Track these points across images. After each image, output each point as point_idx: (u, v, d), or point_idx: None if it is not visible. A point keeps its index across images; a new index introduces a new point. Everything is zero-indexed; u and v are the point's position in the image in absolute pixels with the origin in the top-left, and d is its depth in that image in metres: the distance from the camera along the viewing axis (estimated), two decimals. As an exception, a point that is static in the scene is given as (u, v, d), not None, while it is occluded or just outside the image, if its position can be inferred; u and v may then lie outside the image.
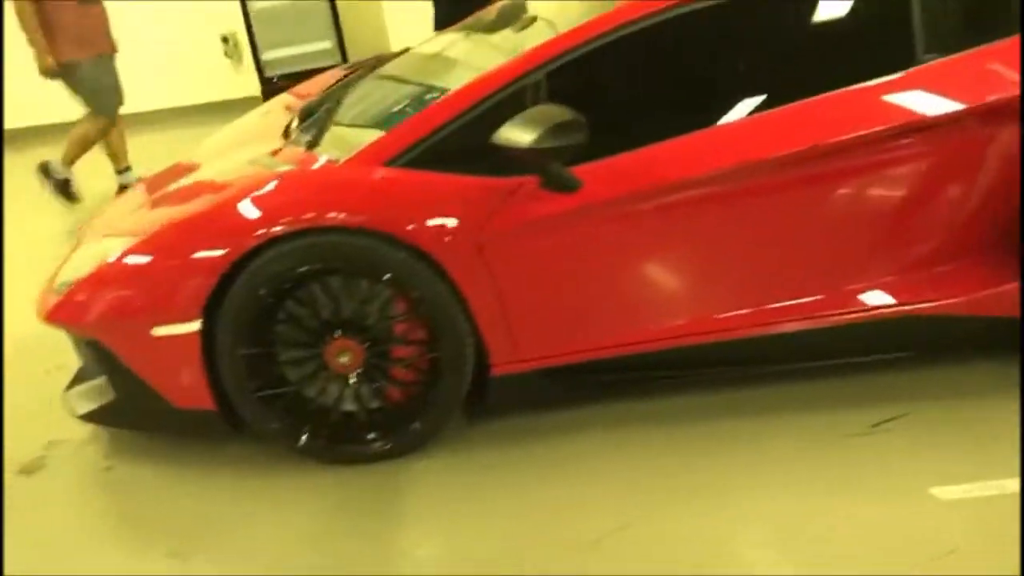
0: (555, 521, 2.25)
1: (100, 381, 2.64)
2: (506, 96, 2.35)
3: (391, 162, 2.37)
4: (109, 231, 2.68)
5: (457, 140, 2.37)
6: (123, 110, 5.57)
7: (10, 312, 3.84)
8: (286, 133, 2.96)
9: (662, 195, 2.29)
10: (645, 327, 2.41)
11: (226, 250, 2.28)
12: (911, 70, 2.29)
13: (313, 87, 3.67)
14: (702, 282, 2.39)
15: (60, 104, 5.38)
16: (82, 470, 2.76)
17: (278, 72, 6.29)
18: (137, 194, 3.08)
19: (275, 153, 2.71)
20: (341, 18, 6.37)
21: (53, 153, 5.37)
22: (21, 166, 6.13)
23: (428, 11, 5.91)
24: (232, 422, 2.52)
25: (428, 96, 2.69)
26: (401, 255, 2.29)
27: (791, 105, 2.28)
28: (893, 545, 2.03)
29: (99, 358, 2.56)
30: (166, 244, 2.39)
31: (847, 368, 2.56)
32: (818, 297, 2.37)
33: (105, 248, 2.57)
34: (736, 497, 2.23)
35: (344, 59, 6.44)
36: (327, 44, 6.32)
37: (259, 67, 6.35)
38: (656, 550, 2.12)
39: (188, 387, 2.47)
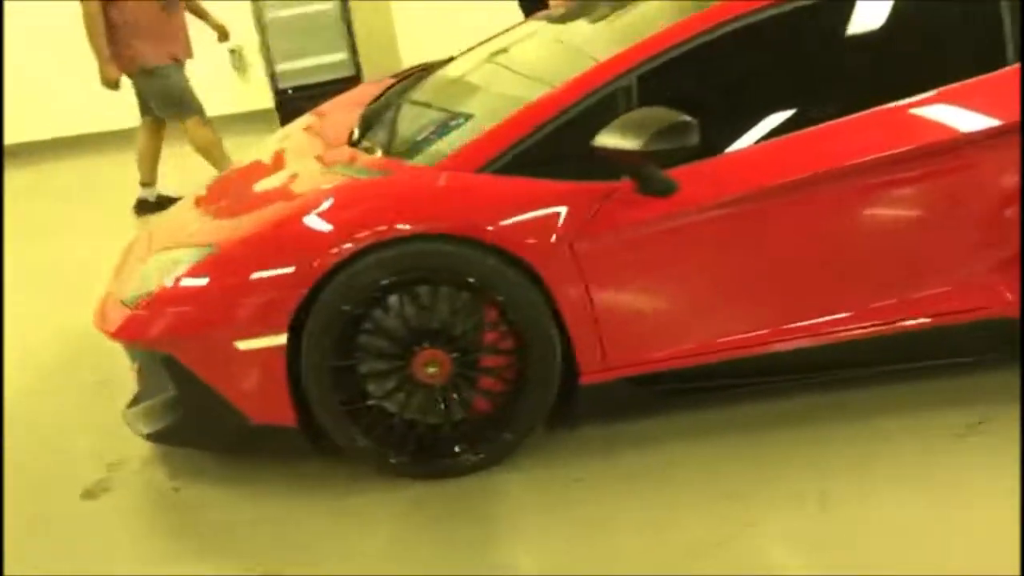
0: (651, 535, 2.20)
1: (167, 398, 2.56)
2: (598, 100, 2.33)
3: (483, 168, 2.34)
4: (178, 241, 2.61)
5: (549, 145, 2.35)
6: (131, 123, 5.49)
7: (44, 324, 3.75)
8: (351, 140, 2.90)
9: (757, 199, 2.26)
10: (734, 333, 2.38)
11: (317, 261, 2.22)
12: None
13: (335, 107, 3.60)
14: (792, 287, 2.37)
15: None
16: (149, 492, 2.67)
17: (292, 84, 6.23)
18: (194, 202, 3.01)
19: (352, 160, 2.65)
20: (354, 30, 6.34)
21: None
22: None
23: (439, 26, 5.89)
24: (312, 439, 2.46)
25: (497, 101, 2.66)
26: (492, 261, 2.25)
27: (891, 106, 2.27)
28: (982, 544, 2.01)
29: (173, 374, 2.48)
30: (253, 255, 2.33)
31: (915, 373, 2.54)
32: (891, 301, 2.36)
33: (176, 258, 2.50)
34: (837, 502, 2.20)
35: (358, 71, 6.40)
36: (341, 56, 6.27)
37: (273, 79, 6.28)
38: (761, 560, 2.08)
39: (270, 402, 2.40)
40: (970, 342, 2.41)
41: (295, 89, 6.19)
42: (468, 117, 2.72)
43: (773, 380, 2.48)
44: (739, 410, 2.56)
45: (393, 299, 2.31)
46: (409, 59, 6.60)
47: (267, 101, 6.63)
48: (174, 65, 5.01)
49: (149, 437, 2.63)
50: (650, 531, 2.21)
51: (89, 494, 2.67)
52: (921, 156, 2.25)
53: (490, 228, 2.24)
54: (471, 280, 2.27)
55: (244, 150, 6.12)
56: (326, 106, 3.70)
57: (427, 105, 2.95)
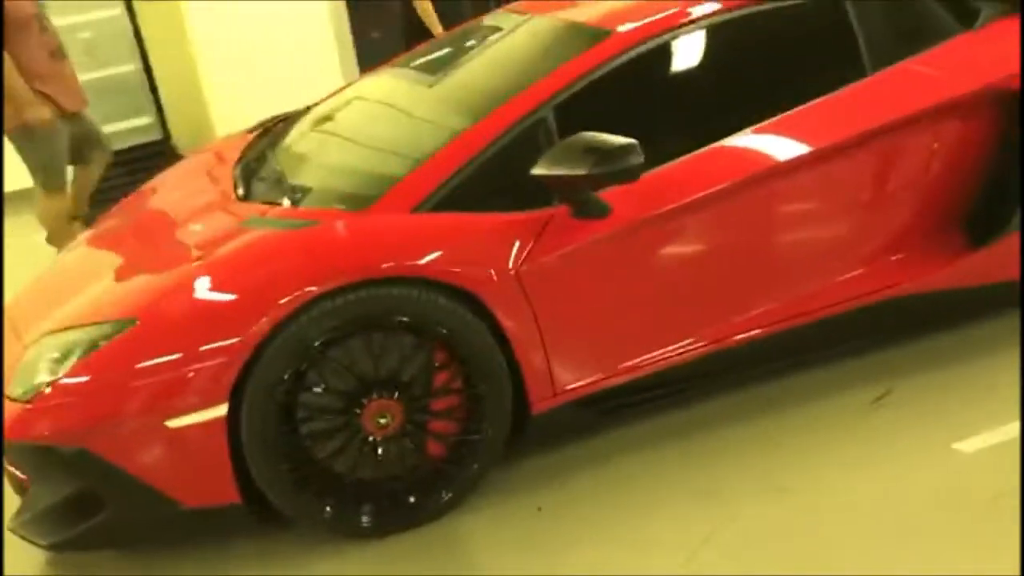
0: (637, 549, 2.23)
1: (68, 499, 2.28)
2: (522, 131, 2.37)
3: (418, 207, 2.30)
4: (78, 316, 2.35)
5: (478, 179, 2.35)
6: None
7: None
8: (242, 194, 2.74)
9: (681, 213, 2.39)
10: (672, 342, 2.48)
11: (262, 321, 2.08)
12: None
13: (175, 174, 3.41)
14: (728, 287, 2.51)
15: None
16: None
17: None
18: (75, 265, 2.72)
19: (266, 213, 2.50)
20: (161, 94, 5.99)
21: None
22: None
23: (250, 90, 5.68)
24: (256, 515, 2.28)
25: (387, 141, 2.66)
26: (442, 300, 2.21)
27: (796, 110, 2.49)
28: (944, 500, 2.22)
29: (84, 470, 2.20)
30: (189, 324, 2.14)
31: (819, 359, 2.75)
32: (817, 290, 2.57)
33: (74, 339, 2.25)
34: (802, 485, 2.33)
35: (166, 134, 6.05)
36: (147, 119, 5.91)
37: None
38: (749, 551, 2.17)
39: (207, 482, 2.21)
40: (876, 322, 2.65)
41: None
42: (367, 159, 2.67)
43: (703, 384, 2.60)
44: (670, 418, 2.65)
45: (337, 351, 2.21)
46: (221, 119, 6.36)
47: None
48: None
49: (54, 547, 2.32)
50: (634, 543, 2.23)
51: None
52: (811, 160, 2.49)
53: (438, 266, 2.21)
54: (422, 322, 2.21)
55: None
56: (156, 181, 3.44)
57: (319, 152, 2.86)
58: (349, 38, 6.38)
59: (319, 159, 2.83)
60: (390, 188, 2.36)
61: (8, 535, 2.37)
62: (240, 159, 3.09)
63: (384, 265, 2.16)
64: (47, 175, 4.60)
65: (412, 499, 2.35)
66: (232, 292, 2.19)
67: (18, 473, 2.40)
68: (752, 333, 2.51)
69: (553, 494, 2.44)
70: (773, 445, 2.50)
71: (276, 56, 5.94)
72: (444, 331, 2.24)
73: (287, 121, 3.43)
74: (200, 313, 2.18)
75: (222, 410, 2.13)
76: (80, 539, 2.29)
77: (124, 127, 5.73)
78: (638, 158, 2.19)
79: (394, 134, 2.78)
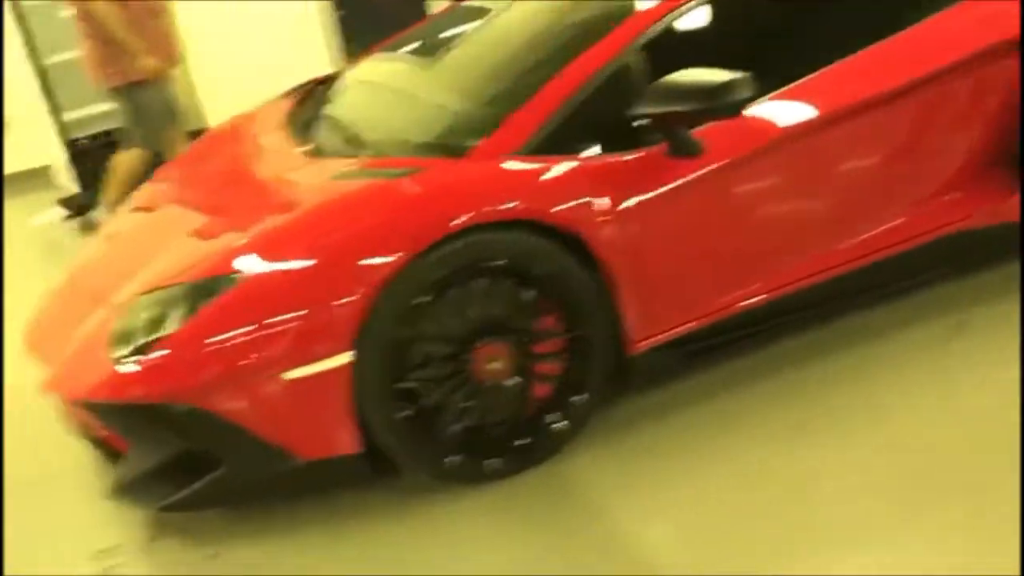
0: (747, 479, 2.27)
1: (176, 459, 2.25)
2: (613, 72, 2.39)
3: (519, 151, 2.31)
4: (164, 274, 2.31)
5: (574, 122, 2.37)
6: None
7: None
8: (313, 151, 2.71)
9: (776, 148, 2.43)
10: (768, 278, 2.53)
11: (377, 268, 2.08)
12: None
13: (215, 141, 3.35)
14: (814, 224, 2.57)
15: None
16: (181, 567, 2.31)
17: (86, 133, 5.59)
18: (146, 227, 2.67)
19: (364, 164, 2.48)
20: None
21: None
22: None
23: (238, 82, 5.57)
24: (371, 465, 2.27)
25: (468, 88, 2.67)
26: (545, 243, 2.23)
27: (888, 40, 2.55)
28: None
29: (192, 429, 2.17)
30: (296, 277, 2.13)
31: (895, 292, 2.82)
32: (893, 225, 2.65)
33: (171, 297, 2.22)
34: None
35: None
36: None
37: (61, 129, 5.60)
38: (855, 478, 2.23)
39: (326, 432, 2.20)
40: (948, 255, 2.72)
41: (91, 138, 5.57)
42: (455, 109, 2.69)
43: (791, 321, 2.65)
44: (761, 356, 2.69)
45: (450, 297, 2.21)
46: (207, 94, 6.22)
47: (36, 160, 5.93)
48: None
49: (166, 509, 2.29)
50: (741, 474, 2.28)
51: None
52: (912, 88, 2.54)
53: (541, 210, 2.22)
54: (527, 265, 2.23)
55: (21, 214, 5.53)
56: (197, 147, 3.38)
57: (402, 104, 2.86)
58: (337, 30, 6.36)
59: (402, 112, 2.82)
60: (486, 135, 2.37)
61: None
62: (291, 120, 3.06)
63: (490, 209, 2.16)
64: (148, 130, 4.69)
65: (522, 442, 2.37)
66: (345, 242, 2.16)
67: (110, 437, 2.36)
68: (837, 270, 2.57)
69: (653, 433, 2.49)
70: (863, 375, 2.58)
71: (263, 50, 5.89)
72: (549, 273, 2.26)
73: (329, 82, 3.40)
74: (314, 264, 2.15)
75: (343, 359, 2.12)
76: (193, 499, 2.25)
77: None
78: (744, 92, 2.22)
79: (479, 83, 2.78)
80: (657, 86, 2.29)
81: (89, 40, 4.63)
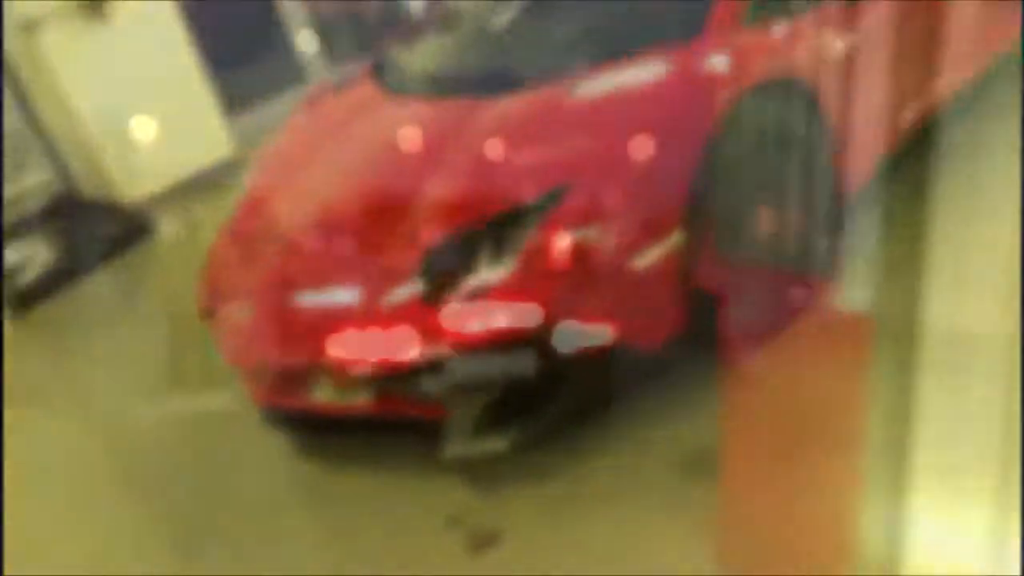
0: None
1: (493, 404, 2.21)
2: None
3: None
4: (467, 208, 2.29)
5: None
6: None
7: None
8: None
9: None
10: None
11: (688, 145, 2.22)
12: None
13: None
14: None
15: None
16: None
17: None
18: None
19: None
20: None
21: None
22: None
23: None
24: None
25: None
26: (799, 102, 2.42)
27: None
28: None
29: (543, 354, 2.12)
30: (622, 170, 2.19)
31: None
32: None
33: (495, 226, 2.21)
34: None
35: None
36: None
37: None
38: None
39: (663, 315, 2.26)
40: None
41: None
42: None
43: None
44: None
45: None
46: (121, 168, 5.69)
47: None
48: None
49: (518, 447, 2.23)
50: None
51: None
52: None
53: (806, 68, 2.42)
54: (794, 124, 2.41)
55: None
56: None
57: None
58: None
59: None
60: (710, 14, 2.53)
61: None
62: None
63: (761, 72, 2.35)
64: None
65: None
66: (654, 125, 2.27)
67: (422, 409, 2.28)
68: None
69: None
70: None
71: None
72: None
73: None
74: (639, 147, 2.22)
75: (679, 235, 2.19)
76: (544, 428, 2.23)
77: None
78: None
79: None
80: None
81: None
